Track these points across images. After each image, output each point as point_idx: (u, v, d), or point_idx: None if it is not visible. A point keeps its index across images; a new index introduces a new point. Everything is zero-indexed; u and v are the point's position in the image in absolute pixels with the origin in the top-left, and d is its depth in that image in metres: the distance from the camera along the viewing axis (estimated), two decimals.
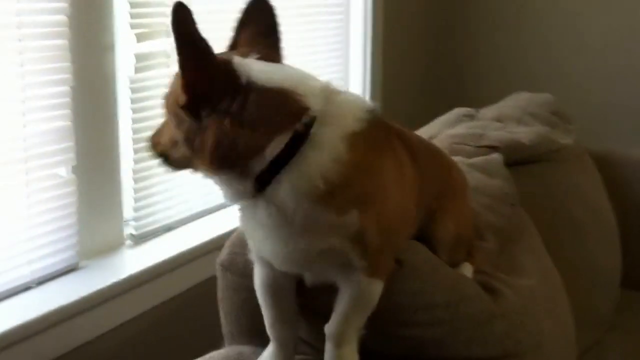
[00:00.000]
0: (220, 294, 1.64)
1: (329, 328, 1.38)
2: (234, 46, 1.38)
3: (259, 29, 1.37)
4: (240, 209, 1.34)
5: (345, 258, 1.30)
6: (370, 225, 1.29)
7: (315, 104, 1.26)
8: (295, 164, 1.23)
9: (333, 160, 1.24)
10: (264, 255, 1.37)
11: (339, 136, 1.25)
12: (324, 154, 1.24)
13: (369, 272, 1.33)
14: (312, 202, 1.24)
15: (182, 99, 1.25)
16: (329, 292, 1.38)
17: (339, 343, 1.38)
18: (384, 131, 1.37)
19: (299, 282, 1.44)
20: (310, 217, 1.25)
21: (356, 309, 1.37)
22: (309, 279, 1.40)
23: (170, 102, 1.32)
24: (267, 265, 1.40)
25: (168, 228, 2.39)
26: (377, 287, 1.37)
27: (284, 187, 1.23)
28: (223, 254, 1.63)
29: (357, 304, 1.37)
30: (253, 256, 1.43)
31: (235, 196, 1.30)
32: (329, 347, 1.39)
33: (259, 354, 1.49)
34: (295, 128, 1.23)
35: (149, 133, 1.43)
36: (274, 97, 1.25)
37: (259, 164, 1.23)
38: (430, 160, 1.60)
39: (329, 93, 1.30)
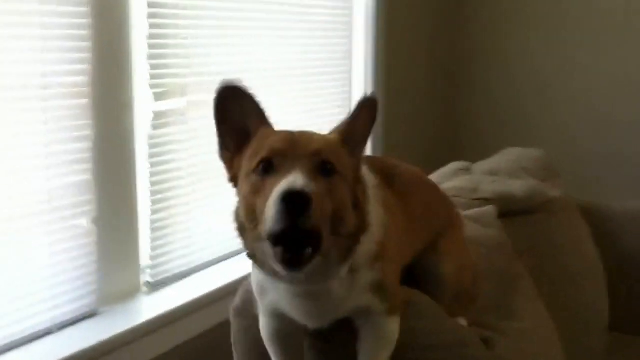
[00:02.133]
0: (234, 337, 1.64)
1: None
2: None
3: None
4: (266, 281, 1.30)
5: (368, 308, 1.32)
6: (387, 272, 1.32)
7: None
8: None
9: (381, 225, 1.29)
10: (290, 314, 1.33)
11: (374, 199, 1.29)
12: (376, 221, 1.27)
13: (388, 312, 1.34)
14: (366, 265, 1.27)
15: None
16: (351, 338, 1.39)
17: None
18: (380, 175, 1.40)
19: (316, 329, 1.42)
20: (358, 279, 1.27)
21: (381, 349, 1.37)
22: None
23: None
24: (277, 317, 1.39)
25: (182, 276, 2.40)
26: (396, 324, 1.38)
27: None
28: (236, 300, 1.63)
29: (381, 343, 1.37)
30: (260, 309, 1.42)
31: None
32: None
33: None
34: None
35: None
36: None
37: None
38: (418, 193, 1.60)
39: None
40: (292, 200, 1.05)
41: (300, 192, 1.06)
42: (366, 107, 1.25)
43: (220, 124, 1.26)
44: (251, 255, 1.23)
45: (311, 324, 1.33)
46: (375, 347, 1.37)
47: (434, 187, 1.77)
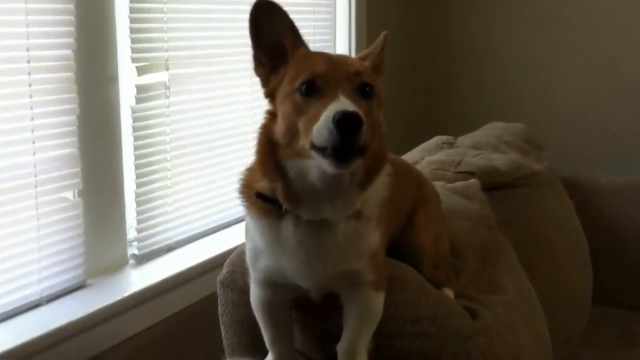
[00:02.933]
0: (220, 309, 1.65)
1: (341, 346, 1.38)
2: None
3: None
4: (266, 229, 1.31)
5: (359, 276, 1.33)
6: (380, 246, 1.33)
7: None
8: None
9: (386, 186, 1.31)
10: (279, 274, 1.34)
11: None
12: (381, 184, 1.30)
13: (374, 285, 1.35)
14: (372, 218, 1.30)
15: None
16: (336, 312, 1.40)
17: (352, 359, 1.38)
18: None
19: (305, 302, 1.43)
20: (362, 233, 1.30)
21: (366, 323, 1.38)
22: (316, 294, 1.40)
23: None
24: (268, 286, 1.40)
25: (169, 248, 2.40)
26: (381, 298, 1.39)
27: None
28: (223, 272, 1.64)
29: (366, 317, 1.38)
30: (252, 278, 1.43)
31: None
32: None
33: None
34: None
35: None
36: None
37: None
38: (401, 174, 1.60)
39: None
40: (346, 123, 1.09)
41: (354, 115, 1.10)
42: (385, 44, 1.38)
43: (254, 39, 1.29)
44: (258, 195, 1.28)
45: (305, 280, 1.33)
46: (360, 321, 1.38)
47: (405, 166, 1.79)
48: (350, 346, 1.38)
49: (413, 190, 1.70)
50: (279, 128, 1.23)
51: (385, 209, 1.36)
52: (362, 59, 1.37)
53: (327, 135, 1.11)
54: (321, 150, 1.13)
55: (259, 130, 1.29)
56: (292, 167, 1.22)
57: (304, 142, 1.17)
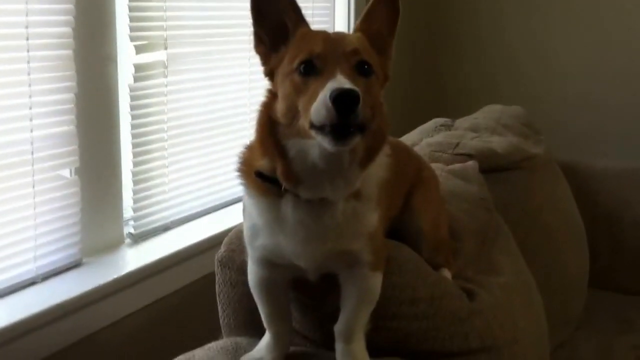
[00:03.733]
0: (218, 288, 1.64)
1: (338, 326, 1.38)
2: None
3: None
4: (265, 208, 1.31)
5: (357, 257, 1.33)
6: (379, 226, 1.33)
7: None
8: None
9: (385, 167, 1.31)
10: (277, 253, 1.33)
11: None
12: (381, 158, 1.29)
13: (372, 266, 1.35)
14: (371, 199, 1.30)
15: None
16: (334, 292, 1.40)
17: (349, 339, 1.38)
18: None
19: (303, 283, 1.43)
20: (361, 213, 1.29)
21: (363, 303, 1.38)
22: (313, 275, 1.39)
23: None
24: (266, 265, 1.39)
25: (165, 228, 2.40)
26: (379, 279, 1.39)
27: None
28: (221, 251, 1.63)
29: (364, 298, 1.38)
30: (250, 257, 1.42)
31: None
32: (339, 345, 1.39)
33: (255, 344, 1.50)
34: None
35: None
36: None
37: None
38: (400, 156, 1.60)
39: None
40: (342, 100, 1.10)
41: (350, 91, 1.10)
42: (382, 2, 1.33)
43: (255, 17, 1.29)
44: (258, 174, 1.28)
45: (303, 260, 1.32)
46: (357, 302, 1.37)
47: (404, 149, 1.77)
48: (348, 327, 1.38)
49: (412, 173, 1.69)
50: (280, 108, 1.23)
51: (385, 190, 1.35)
52: (364, 25, 1.34)
53: (325, 113, 1.11)
54: (320, 129, 1.13)
55: (259, 109, 1.29)
56: (292, 147, 1.22)
57: (303, 122, 1.17)
